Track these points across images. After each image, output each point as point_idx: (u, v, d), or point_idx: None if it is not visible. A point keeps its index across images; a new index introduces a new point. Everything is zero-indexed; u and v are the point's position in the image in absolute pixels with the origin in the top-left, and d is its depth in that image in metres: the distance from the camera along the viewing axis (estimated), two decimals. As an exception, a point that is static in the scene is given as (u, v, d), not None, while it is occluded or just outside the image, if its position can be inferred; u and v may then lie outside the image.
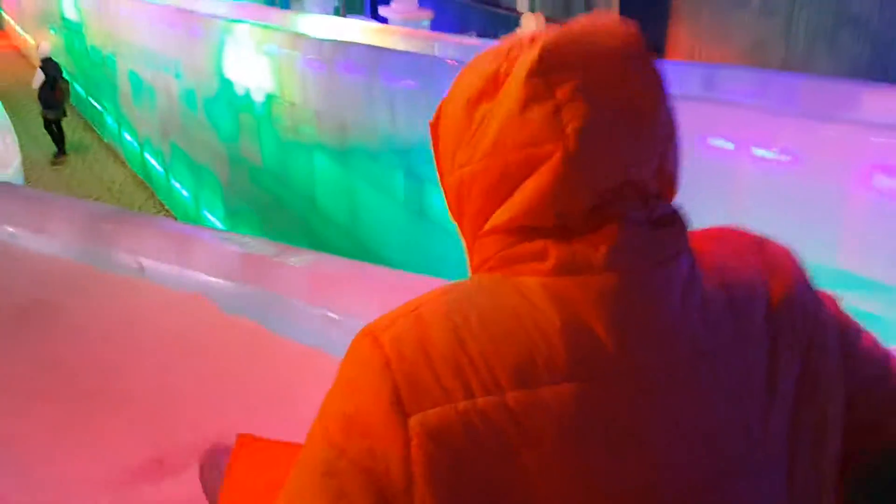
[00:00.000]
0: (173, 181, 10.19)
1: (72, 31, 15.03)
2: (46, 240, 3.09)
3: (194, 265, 2.79)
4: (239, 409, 2.23)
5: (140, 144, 11.51)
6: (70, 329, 2.55)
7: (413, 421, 0.69)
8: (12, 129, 11.81)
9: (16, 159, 10.68)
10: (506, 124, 0.74)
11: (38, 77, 12.33)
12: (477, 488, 0.69)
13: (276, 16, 9.39)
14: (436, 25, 10.68)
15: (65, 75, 12.68)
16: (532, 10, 10.54)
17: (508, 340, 0.71)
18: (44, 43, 14.22)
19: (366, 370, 0.72)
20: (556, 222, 0.74)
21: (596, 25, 0.77)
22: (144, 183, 11.33)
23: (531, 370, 0.70)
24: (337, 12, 12.80)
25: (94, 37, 13.36)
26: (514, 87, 0.74)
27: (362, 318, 2.60)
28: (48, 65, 12.42)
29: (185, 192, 9.86)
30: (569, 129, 0.72)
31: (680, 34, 9.40)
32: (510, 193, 0.75)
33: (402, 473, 0.69)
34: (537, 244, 0.74)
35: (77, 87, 15.11)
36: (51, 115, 12.37)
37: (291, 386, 2.31)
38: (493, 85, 0.76)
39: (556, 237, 0.74)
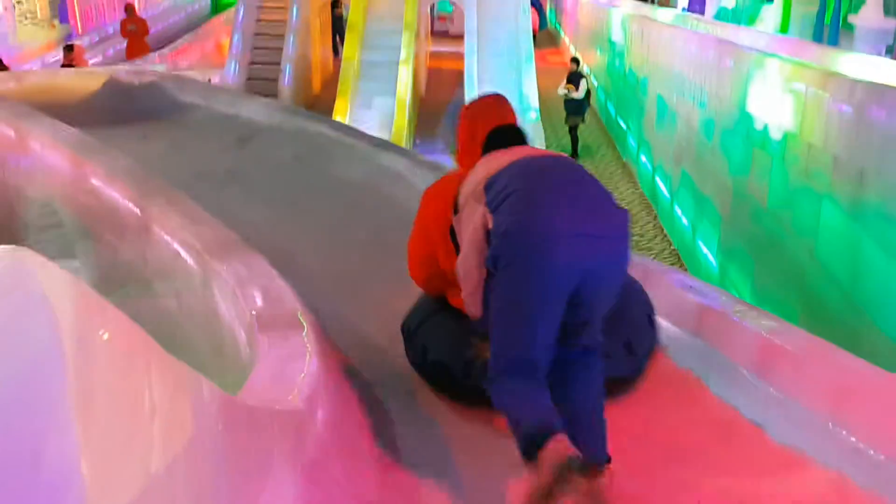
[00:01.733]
0: (677, 208, 10.30)
1: (615, 52, 16.03)
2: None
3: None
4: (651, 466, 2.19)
5: (653, 167, 11.85)
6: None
7: (441, 203, 2.55)
8: (542, 132, 13.43)
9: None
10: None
11: (563, 86, 13.84)
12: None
13: (814, 52, 8.87)
14: None
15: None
16: None
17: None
18: (575, 56, 15.87)
19: (426, 193, 2.73)
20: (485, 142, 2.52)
21: (497, 97, 2.71)
22: (650, 205, 11.64)
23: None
24: (890, 51, 11.68)
25: (633, 60, 14.07)
26: (465, 115, 2.68)
27: (806, 404, 2.40)
28: (572, 76, 13.73)
29: (685, 221, 9.92)
30: (480, 123, 2.56)
31: None
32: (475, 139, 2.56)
33: (441, 226, 2.53)
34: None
35: (609, 106, 16.09)
36: (569, 121, 14.14)
37: (707, 453, 2.20)
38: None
39: (489, 148, 2.45)
